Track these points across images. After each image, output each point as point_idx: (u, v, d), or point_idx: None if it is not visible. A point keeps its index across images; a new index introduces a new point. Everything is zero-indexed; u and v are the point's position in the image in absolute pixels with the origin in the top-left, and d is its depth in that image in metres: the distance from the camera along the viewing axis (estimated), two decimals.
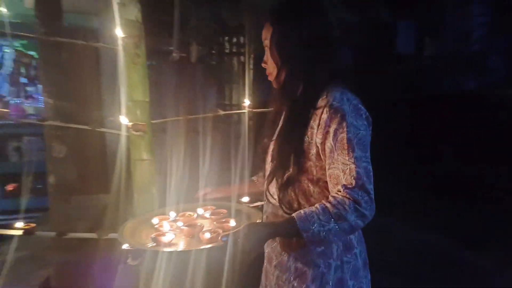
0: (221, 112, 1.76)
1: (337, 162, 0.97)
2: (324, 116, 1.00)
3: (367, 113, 1.03)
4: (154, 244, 1.04)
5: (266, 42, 1.09)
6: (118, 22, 1.42)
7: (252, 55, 3.59)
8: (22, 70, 4.86)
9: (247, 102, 1.76)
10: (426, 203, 5.05)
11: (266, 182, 1.16)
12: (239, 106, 4.10)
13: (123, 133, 1.59)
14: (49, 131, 1.83)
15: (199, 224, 1.16)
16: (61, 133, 1.86)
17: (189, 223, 1.17)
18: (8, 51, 5.41)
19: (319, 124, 1.01)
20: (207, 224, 1.20)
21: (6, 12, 3.46)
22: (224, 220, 1.21)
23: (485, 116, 4.85)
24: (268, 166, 1.16)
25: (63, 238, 1.90)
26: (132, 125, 1.40)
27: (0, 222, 4.16)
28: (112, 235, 1.53)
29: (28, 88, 5.25)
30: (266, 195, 1.16)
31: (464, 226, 4.19)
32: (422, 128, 5.71)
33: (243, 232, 0.95)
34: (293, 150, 1.04)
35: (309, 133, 1.03)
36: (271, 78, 1.13)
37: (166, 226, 1.15)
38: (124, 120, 1.41)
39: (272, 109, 1.27)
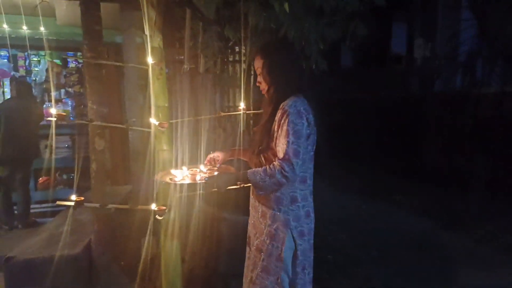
0: (222, 114, 2.31)
1: (280, 143, 1.58)
2: (279, 114, 1.61)
3: (308, 116, 1.61)
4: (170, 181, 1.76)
5: (259, 70, 1.72)
6: (148, 51, 1.95)
7: (246, 64, 4.12)
8: (53, 78, 5.50)
9: (242, 105, 2.30)
10: (414, 191, 5.49)
11: (250, 153, 1.80)
12: (244, 107, 4.64)
13: (149, 130, 2.15)
14: (93, 129, 2.41)
15: (197, 173, 1.83)
16: (101, 131, 2.43)
17: (192, 173, 1.84)
18: (37, 59, 6.08)
19: (277, 120, 1.62)
20: (202, 174, 1.83)
21: (44, 30, 4.09)
22: (211, 172, 1.86)
23: (467, 113, 5.28)
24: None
25: (102, 210, 2.50)
26: (158, 124, 1.95)
27: (34, 210, 4.80)
28: (140, 207, 2.09)
29: (55, 93, 5.89)
30: (251, 162, 1.81)
31: (444, 210, 4.63)
32: (412, 124, 6.16)
33: (217, 176, 1.66)
34: (265, 134, 1.66)
35: (274, 125, 1.64)
36: (264, 92, 1.77)
37: (178, 174, 1.81)
38: (153, 120, 1.97)
39: (261, 111, 1.90)
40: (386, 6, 3.19)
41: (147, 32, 2.14)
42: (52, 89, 5.30)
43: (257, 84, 1.76)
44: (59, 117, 2.08)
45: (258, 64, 1.72)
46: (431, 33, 7.16)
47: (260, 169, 1.58)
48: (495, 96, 4.82)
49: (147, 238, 2.53)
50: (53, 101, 5.14)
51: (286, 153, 1.52)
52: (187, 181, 1.75)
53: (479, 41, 5.60)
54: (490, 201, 4.79)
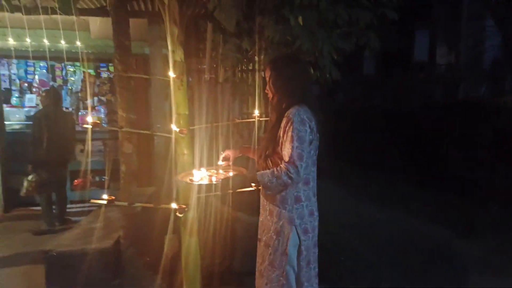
0: (236, 120, 2.51)
1: (285, 147, 1.75)
2: (284, 121, 1.78)
3: (310, 123, 1.78)
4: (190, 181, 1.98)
5: (268, 79, 1.92)
6: (171, 65, 2.18)
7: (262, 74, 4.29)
8: (88, 88, 5.95)
9: (256, 112, 2.48)
10: (431, 200, 5.43)
11: (258, 157, 1.98)
12: (258, 114, 4.82)
13: (170, 135, 2.37)
14: (122, 135, 2.67)
15: (214, 175, 2.04)
16: (129, 136, 2.69)
17: (210, 174, 2.05)
18: (73, 70, 6.57)
19: (283, 126, 1.79)
20: (219, 175, 2.05)
21: (79, 43, 4.46)
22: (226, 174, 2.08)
23: (492, 122, 5.19)
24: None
25: (130, 209, 2.73)
26: (179, 130, 2.17)
27: (69, 210, 5.18)
28: (163, 206, 2.30)
29: (88, 102, 6.33)
30: (258, 165, 1.98)
31: (460, 219, 4.57)
32: (432, 133, 6.10)
33: (231, 178, 1.89)
34: (272, 139, 1.84)
35: (280, 131, 1.81)
36: (270, 99, 1.96)
37: (196, 174, 2.02)
38: (174, 127, 2.19)
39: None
40: (409, 15, 3.29)
41: (170, 46, 2.38)
42: (88, 97, 5.72)
43: (266, 91, 1.97)
44: (94, 124, 2.34)
45: (267, 74, 1.93)
46: (455, 41, 7.08)
47: (268, 171, 1.77)
48: None
49: (167, 235, 2.74)
50: (89, 109, 5.54)
51: (291, 157, 1.69)
52: (205, 181, 1.95)
53: (502, 49, 5.51)
54: (508, 211, 4.68)
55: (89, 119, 2.21)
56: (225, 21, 3.19)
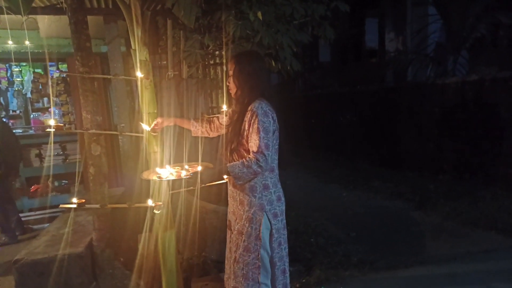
0: (206, 116, 2.58)
1: (252, 139, 1.88)
2: (249, 114, 1.90)
3: (273, 114, 1.92)
4: (159, 179, 2.03)
5: (230, 73, 2.02)
6: (138, 65, 2.19)
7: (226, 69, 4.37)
8: (41, 88, 5.63)
9: (224, 107, 2.56)
10: (390, 177, 5.88)
11: (224, 150, 2.08)
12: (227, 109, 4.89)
13: (141, 135, 2.39)
14: (89, 137, 2.64)
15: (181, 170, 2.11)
16: (97, 137, 2.66)
17: (176, 171, 2.11)
18: (19, 70, 6.17)
19: (248, 119, 1.90)
20: (185, 171, 2.12)
21: (29, 44, 4.25)
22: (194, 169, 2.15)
23: (437, 101, 5.68)
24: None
25: (101, 210, 2.73)
26: (151, 129, 2.20)
27: (26, 218, 4.96)
28: (137, 205, 2.34)
29: (37, 103, 6.00)
30: (225, 157, 2.10)
31: (416, 192, 5.02)
32: (386, 115, 6.55)
33: (202, 171, 1.94)
34: (236, 132, 1.96)
35: (244, 124, 1.93)
36: (231, 92, 2.07)
37: (161, 172, 2.07)
38: (145, 126, 2.21)
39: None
40: (359, 4, 3.52)
41: (134, 46, 2.38)
42: (52, 100, 5.41)
43: (227, 83, 2.07)
44: (57, 127, 2.29)
45: (230, 69, 2.03)
46: (401, 27, 7.56)
47: (237, 162, 1.87)
48: (460, 84, 5.22)
49: (143, 233, 2.77)
50: (52, 112, 5.26)
51: (259, 147, 1.82)
52: (173, 177, 2.02)
53: (443, 34, 5.99)
54: (457, 182, 5.22)
55: (52, 122, 2.17)
56: (184, 18, 3.21)
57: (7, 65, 6.14)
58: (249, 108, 1.91)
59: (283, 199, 2.06)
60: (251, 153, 1.86)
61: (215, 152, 3.10)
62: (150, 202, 2.14)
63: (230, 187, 2.09)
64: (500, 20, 5.94)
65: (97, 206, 2.50)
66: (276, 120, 1.93)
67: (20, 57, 4.99)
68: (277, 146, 1.97)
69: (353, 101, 7.38)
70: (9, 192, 4.42)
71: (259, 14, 2.99)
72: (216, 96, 4.36)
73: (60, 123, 2.38)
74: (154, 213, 2.20)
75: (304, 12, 3.13)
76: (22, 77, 6.16)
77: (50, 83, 5.76)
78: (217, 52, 4.11)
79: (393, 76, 7.74)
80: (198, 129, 2.31)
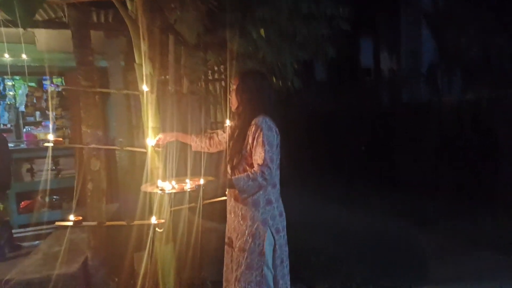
0: (209, 131, 2.55)
1: (257, 152, 1.87)
2: (253, 129, 1.91)
3: (276, 129, 1.94)
4: (161, 191, 1.98)
5: (234, 87, 2.04)
6: (143, 79, 2.17)
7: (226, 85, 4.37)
8: (34, 102, 5.54)
9: (227, 122, 2.53)
10: (388, 196, 5.86)
11: (226, 165, 2.06)
12: (222, 122, 4.86)
13: (144, 150, 2.34)
14: (88, 151, 2.58)
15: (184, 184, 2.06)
16: (97, 152, 2.60)
17: (179, 184, 2.06)
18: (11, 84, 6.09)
19: (252, 133, 1.90)
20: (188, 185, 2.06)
21: (26, 58, 4.22)
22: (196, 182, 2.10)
23: (433, 121, 5.75)
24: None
25: (97, 228, 2.63)
26: (155, 144, 2.16)
27: (16, 235, 4.77)
28: (136, 222, 2.27)
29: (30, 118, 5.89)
30: (226, 172, 2.08)
31: (415, 211, 5.00)
32: (383, 133, 6.60)
33: (206, 183, 1.92)
34: (238, 149, 1.95)
35: (247, 138, 1.93)
36: (233, 108, 2.09)
37: (166, 185, 2.02)
38: (150, 141, 2.17)
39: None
40: (354, 24, 3.57)
41: (138, 60, 2.36)
42: (51, 114, 5.32)
43: (229, 97, 2.08)
44: (56, 142, 2.24)
45: (234, 83, 2.05)
46: (395, 47, 7.73)
47: (242, 175, 1.86)
48: (456, 104, 5.30)
49: (145, 251, 2.68)
50: (50, 126, 5.16)
51: (264, 159, 1.83)
52: (176, 190, 1.97)
53: (437, 54, 6.14)
54: (456, 201, 5.21)
55: (50, 136, 2.12)
56: (186, 34, 3.23)
57: None
58: (253, 122, 1.92)
59: (284, 214, 2.05)
60: (255, 166, 1.86)
61: (218, 167, 3.04)
62: (153, 220, 2.08)
63: (231, 203, 2.05)
64: (493, 40, 6.13)
65: (95, 223, 2.42)
66: (279, 136, 1.94)
67: (16, 71, 4.92)
68: (279, 162, 1.96)
69: (350, 120, 7.44)
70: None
71: (262, 31, 3.02)
72: (215, 111, 4.35)
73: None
74: (156, 231, 2.12)
75: (306, 31, 3.17)
76: (15, 90, 6.07)
77: (47, 97, 5.68)
78: (216, 68, 4.13)
79: (388, 95, 7.87)
80: (198, 145, 2.31)
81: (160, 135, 2.26)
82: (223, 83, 4.56)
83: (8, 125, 6.18)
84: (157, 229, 2.07)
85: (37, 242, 4.34)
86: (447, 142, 5.51)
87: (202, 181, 1.98)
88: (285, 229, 2.03)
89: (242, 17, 3.16)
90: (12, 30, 3.56)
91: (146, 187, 2.05)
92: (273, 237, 1.93)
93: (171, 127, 3.37)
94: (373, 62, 8.69)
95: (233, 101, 2.05)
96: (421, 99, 6.19)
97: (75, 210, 4.16)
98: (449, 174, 5.50)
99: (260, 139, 1.84)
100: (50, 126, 5.36)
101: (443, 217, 4.61)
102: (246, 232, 1.93)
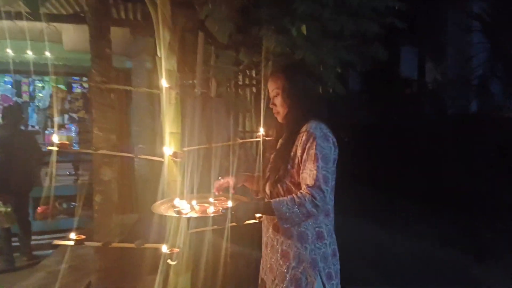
0: (239, 141, 2.14)
1: (306, 168, 1.41)
2: (304, 137, 1.45)
3: (334, 139, 1.48)
4: (177, 214, 1.54)
5: (275, 92, 1.57)
6: (163, 74, 1.80)
7: (260, 89, 4.00)
8: (58, 104, 5.43)
9: (261, 130, 2.11)
10: (435, 218, 5.18)
11: (264, 182, 1.61)
12: (252, 132, 4.48)
13: (161, 159, 1.96)
14: (98, 158, 2.23)
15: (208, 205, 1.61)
16: (109, 159, 2.25)
17: (201, 205, 1.64)
18: (41, 85, 6.02)
19: (300, 143, 1.45)
20: (213, 206, 1.62)
21: (49, 56, 4.00)
22: (223, 202, 1.67)
23: (487, 136, 5.09)
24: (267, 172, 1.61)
25: (105, 248, 2.26)
26: (173, 153, 1.77)
27: (33, 242, 4.55)
28: (147, 245, 1.87)
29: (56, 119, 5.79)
30: (263, 192, 1.62)
31: (473, 240, 4.31)
32: (428, 149, 5.96)
33: (236, 206, 1.43)
34: (284, 158, 1.50)
35: (294, 149, 1.48)
36: (278, 116, 1.62)
37: (184, 205, 1.61)
38: (167, 149, 1.78)
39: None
40: (394, 30, 3.12)
41: (160, 54, 2.01)
42: (55, 114, 5.18)
43: (271, 106, 1.62)
44: (61, 146, 1.90)
45: (274, 85, 1.58)
46: (441, 56, 7.11)
47: (286, 198, 1.39)
48: None
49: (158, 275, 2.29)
50: (55, 127, 5.00)
51: (316, 179, 1.36)
52: (195, 214, 1.56)
53: (492, 64, 5.51)
54: None
55: (55, 138, 1.79)
56: (218, 33, 2.88)
57: (29, 79, 6.01)
58: (303, 129, 1.48)
59: (338, 254, 1.55)
60: (303, 187, 1.40)
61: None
62: (164, 249, 1.67)
63: (268, 233, 1.58)
64: None
65: (99, 244, 2.05)
66: (337, 149, 1.48)
67: (41, 70, 4.77)
68: (334, 182, 1.48)
69: (388, 132, 6.85)
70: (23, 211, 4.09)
71: (303, 28, 2.60)
72: (244, 119, 3.96)
73: (74, 141, 2.00)
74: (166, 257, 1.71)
75: (356, 29, 2.73)
76: (43, 92, 6.01)
77: (71, 99, 5.54)
78: (248, 72, 3.75)
79: (432, 108, 7.21)
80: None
81: (226, 180, 1.75)
82: (254, 89, 4.20)
83: (37, 127, 6.13)
84: (169, 261, 1.66)
85: (50, 251, 4.08)
86: (504, 161, 4.81)
87: (230, 204, 1.56)
88: (339, 275, 1.53)
89: (279, 12, 2.77)
90: (36, 26, 3.35)
91: (159, 207, 1.63)
92: (324, 286, 1.44)
93: (193, 134, 3.00)
94: (416, 71, 8.07)
95: (278, 108, 1.60)
96: (471, 113, 5.53)
97: (89, 222, 3.87)
98: (508, 195, 4.77)
99: (313, 151, 1.41)
100: (55, 128, 5.20)
101: (508, 249, 3.91)
102: (287, 276, 1.45)
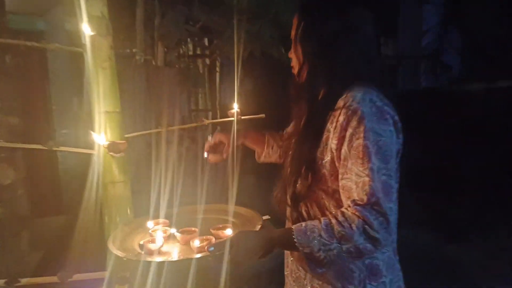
0: (207, 121, 1.54)
1: (350, 172, 0.83)
2: (341, 118, 0.86)
3: (396, 117, 0.90)
4: (142, 252, 0.94)
5: (293, 34, 0.99)
6: (84, 17, 1.13)
7: (218, 58, 3.38)
8: None
9: (235, 107, 1.55)
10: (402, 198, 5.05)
11: (284, 190, 1.02)
12: (206, 111, 3.87)
13: (92, 151, 1.31)
14: None
15: (193, 229, 1.04)
16: (7, 154, 1.52)
17: (184, 229, 1.04)
18: None
19: (335, 127, 0.88)
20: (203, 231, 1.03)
21: None
22: (221, 226, 1.05)
23: (446, 111, 5.08)
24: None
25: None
26: (109, 144, 1.13)
27: None
28: (76, 277, 1.23)
29: None
30: (283, 206, 1.04)
31: (444, 220, 4.16)
32: None
33: (232, 242, 0.83)
34: (306, 156, 0.91)
35: (324, 137, 0.90)
36: (294, 71, 1.03)
37: (159, 233, 1.01)
38: (98, 138, 1.13)
39: (261, 115, 1.39)
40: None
41: None
42: None
43: (289, 55, 1.03)
44: None
45: (293, 27, 1.00)
46: (393, 30, 7.06)
47: (315, 224, 0.83)
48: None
49: None
50: None
51: (371, 193, 0.79)
52: (175, 253, 0.93)
53: (449, 36, 5.49)
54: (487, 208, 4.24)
55: None
56: None
57: None
58: (340, 103, 0.89)
59: None
60: (347, 204, 0.85)
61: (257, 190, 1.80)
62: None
63: (293, 267, 1.04)
64: None
65: (1, 282, 1.37)
66: (401, 130, 0.91)
67: None
68: (397, 185, 0.90)
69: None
70: None
71: None
72: (196, 95, 3.33)
73: None
74: None
75: None
76: None
77: None
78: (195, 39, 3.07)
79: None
80: (272, 152, 1.24)
81: (217, 137, 1.23)
82: (207, 61, 3.56)
83: None
84: None
85: None
86: (469, 137, 4.77)
87: (230, 231, 0.99)
88: None
89: None
90: None
91: (115, 244, 1.00)
92: None
93: (135, 114, 2.31)
94: None
95: (293, 61, 1.01)
96: (424, 87, 5.46)
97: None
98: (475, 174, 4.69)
99: (360, 142, 0.83)
100: None
101: (476, 229, 3.73)
102: None
